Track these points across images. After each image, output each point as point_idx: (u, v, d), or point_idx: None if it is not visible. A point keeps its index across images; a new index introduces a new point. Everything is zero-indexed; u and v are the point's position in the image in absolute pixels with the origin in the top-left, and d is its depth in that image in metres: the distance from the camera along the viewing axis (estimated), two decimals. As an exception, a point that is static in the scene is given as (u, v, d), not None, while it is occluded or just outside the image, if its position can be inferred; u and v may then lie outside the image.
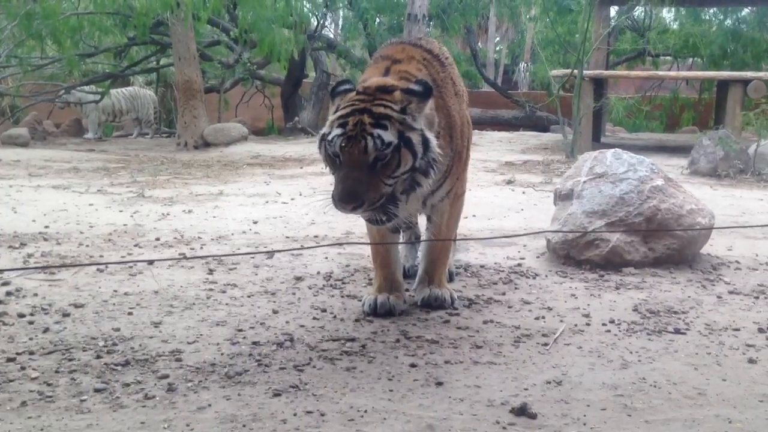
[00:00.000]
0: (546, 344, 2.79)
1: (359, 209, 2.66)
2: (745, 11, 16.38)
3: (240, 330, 2.89)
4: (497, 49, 27.22)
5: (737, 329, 3.00)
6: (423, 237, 3.51)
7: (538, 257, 4.33)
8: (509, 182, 7.62)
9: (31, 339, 2.77)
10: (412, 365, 2.55)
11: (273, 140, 13.88)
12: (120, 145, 13.34)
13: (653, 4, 11.45)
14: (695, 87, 17.80)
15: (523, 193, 6.99)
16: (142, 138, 15.19)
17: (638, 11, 14.65)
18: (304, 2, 12.27)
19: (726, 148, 8.10)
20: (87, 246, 4.45)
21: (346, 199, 2.63)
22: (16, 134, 12.03)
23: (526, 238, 4.86)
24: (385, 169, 2.67)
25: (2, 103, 15.08)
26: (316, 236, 4.91)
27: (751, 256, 4.38)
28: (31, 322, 2.96)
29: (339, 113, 2.75)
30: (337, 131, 2.70)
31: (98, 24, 12.57)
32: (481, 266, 4.09)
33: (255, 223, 5.36)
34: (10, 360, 2.55)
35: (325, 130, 2.78)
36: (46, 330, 2.86)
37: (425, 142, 2.74)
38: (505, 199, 6.55)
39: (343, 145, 2.67)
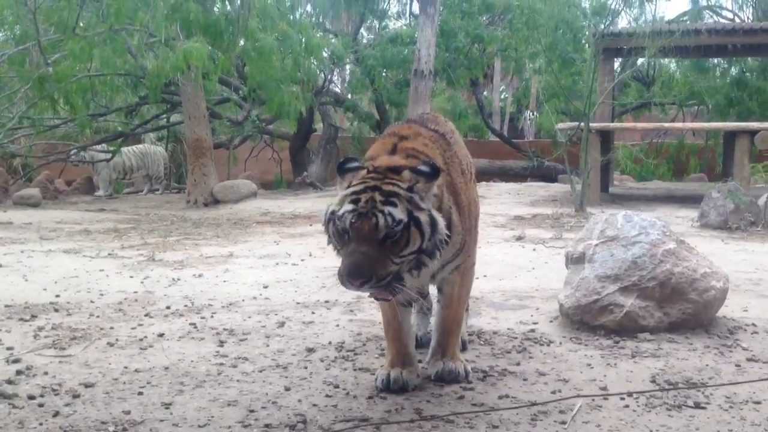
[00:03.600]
0: (564, 422, 2.73)
1: (367, 285, 2.65)
2: (750, 60, 16.53)
3: (252, 411, 2.85)
4: (502, 96, 27.50)
5: (758, 402, 2.94)
6: (434, 307, 3.48)
7: (551, 321, 4.29)
8: (519, 238, 7.61)
9: (41, 424, 2.73)
10: (428, 449, 2.50)
11: (282, 195, 13.97)
12: (130, 202, 13.45)
13: (656, 56, 11.56)
14: (702, 134, 17.89)
15: (534, 250, 6.97)
16: (152, 194, 15.33)
17: (642, 62, 14.79)
18: (312, 60, 12.45)
19: (736, 200, 8.09)
20: (98, 317, 4.44)
21: (355, 274, 2.62)
22: (28, 195, 12.16)
23: (539, 301, 4.83)
24: (393, 247, 2.68)
25: (15, 162, 15.29)
26: (327, 301, 4.89)
27: (767, 318, 4.32)
28: (41, 405, 2.92)
29: (351, 190, 2.77)
30: (349, 207, 2.71)
31: (109, 84, 12.83)
32: (494, 332, 4.05)
33: (265, 287, 5.35)
34: (19, 448, 2.51)
35: (334, 207, 2.79)
36: (56, 414, 2.82)
37: (433, 223, 2.75)
38: (516, 257, 6.52)
39: (353, 221, 2.68)
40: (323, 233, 2.89)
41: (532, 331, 4.07)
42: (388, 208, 2.67)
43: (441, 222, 2.77)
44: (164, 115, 15.90)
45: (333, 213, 2.77)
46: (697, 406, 2.90)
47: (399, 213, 2.67)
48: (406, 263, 2.73)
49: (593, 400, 2.97)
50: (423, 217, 2.72)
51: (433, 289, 3.55)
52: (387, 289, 2.70)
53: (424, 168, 2.79)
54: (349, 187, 2.80)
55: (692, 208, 9.77)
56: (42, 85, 10.78)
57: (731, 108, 15.64)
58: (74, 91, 11.39)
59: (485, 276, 5.54)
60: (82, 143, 14.35)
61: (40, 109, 12.74)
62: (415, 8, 16.24)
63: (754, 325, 4.13)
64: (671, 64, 18.43)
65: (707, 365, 3.43)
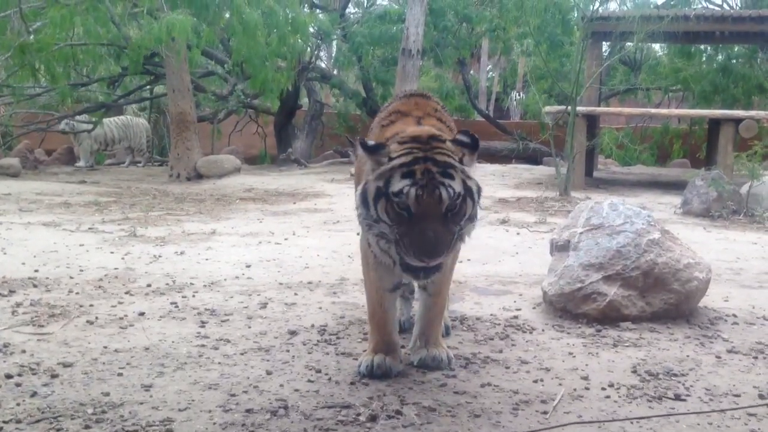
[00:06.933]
0: (545, 412, 2.74)
1: (439, 260, 2.63)
2: (736, 47, 16.55)
3: (233, 395, 2.82)
4: (489, 75, 27.38)
5: (738, 395, 2.95)
6: (419, 294, 3.45)
7: (534, 308, 4.29)
8: (503, 222, 7.61)
9: (18, 404, 2.69)
10: (410, 438, 2.49)
11: (266, 171, 13.87)
12: (112, 174, 13.29)
13: (645, 41, 11.54)
14: (686, 119, 17.94)
15: (518, 234, 6.97)
16: (134, 167, 15.16)
17: (630, 46, 14.77)
18: (298, 37, 12.29)
19: (719, 188, 8.13)
20: (77, 293, 4.38)
21: (432, 253, 2.58)
22: (7, 165, 11.98)
23: (522, 287, 4.83)
24: (454, 218, 2.65)
25: (-6, 131, 15.05)
26: (310, 282, 4.86)
27: (748, 308, 4.35)
28: (18, 384, 2.88)
29: (398, 162, 2.65)
30: (406, 182, 2.60)
31: (91, 53, 12.61)
32: (477, 318, 4.04)
33: (248, 266, 5.31)
34: (-4, 430, 2.47)
35: (378, 183, 2.65)
36: (33, 394, 2.78)
37: (479, 191, 2.74)
38: (500, 241, 6.52)
39: (419, 193, 2.58)
40: (358, 214, 2.79)
41: (515, 317, 4.08)
42: (447, 181, 2.61)
43: (480, 190, 2.76)
44: (147, 87, 15.68)
45: (380, 190, 2.64)
46: (678, 397, 2.91)
47: (457, 185, 2.63)
48: (457, 234, 2.71)
49: (575, 390, 2.98)
50: (474, 186, 2.70)
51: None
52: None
53: (465, 139, 2.74)
54: (391, 159, 2.67)
55: (675, 194, 9.82)
56: (23, 53, 10.58)
57: (716, 95, 15.68)
58: (55, 59, 11.20)
59: (469, 260, 5.52)
60: (63, 113, 14.12)
61: (21, 78, 12.50)
62: (405, -15, 16.04)
63: (734, 315, 4.16)
64: (658, 49, 18.45)
65: (688, 356, 3.44)
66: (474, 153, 2.76)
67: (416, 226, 2.58)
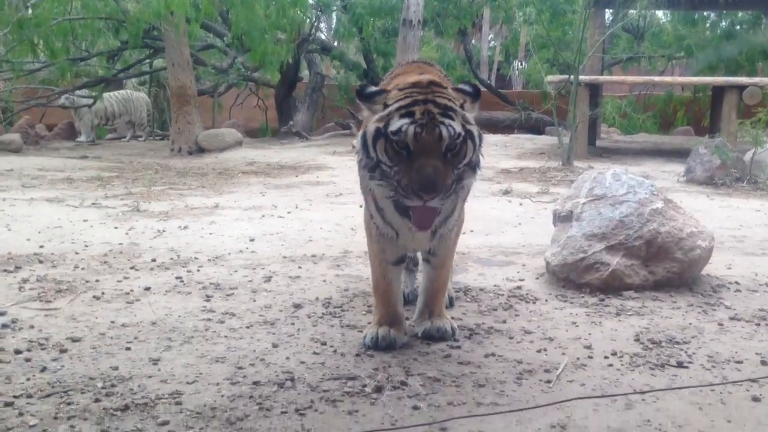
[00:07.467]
0: (549, 381, 2.77)
1: (437, 198, 2.63)
2: (740, 13, 16.37)
3: (240, 367, 2.86)
4: (491, 45, 27.10)
5: (740, 362, 2.98)
6: (423, 266, 3.47)
7: (537, 278, 4.31)
8: (506, 192, 7.61)
9: (28, 379, 2.72)
10: (415, 407, 2.52)
11: (267, 144, 13.84)
12: (113, 149, 13.28)
13: (648, 7, 11.42)
14: (690, 87, 17.78)
15: (521, 204, 6.97)
16: (135, 141, 15.14)
17: (633, 13, 14.62)
18: (297, 10, 12.17)
19: (722, 156, 8.11)
20: (83, 269, 4.41)
21: (430, 188, 2.58)
22: (9, 140, 11.96)
23: (525, 258, 4.85)
24: (453, 159, 2.66)
25: (-6, 107, 15.00)
26: (313, 255, 4.88)
27: (751, 275, 4.37)
28: (28, 360, 2.91)
29: (397, 105, 2.68)
30: (405, 120, 2.62)
31: (90, 27, 12.52)
32: (481, 289, 4.07)
33: (252, 240, 5.33)
34: (8, 404, 2.50)
35: (378, 125, 2.68)
36: (43, 369, 2.81)
37: (481, 138, 2.76)
38: (503, 212, 6.53)
39: (418, 131, 2.60)
40: (357, 160, 2.85)
41: (519, 288, 4.10)
42: (447, 120, 2.63)
43: (482, 137, 2.78)
44: (147, 61, 15.59)
45: (379, 130, 2.66)
46: (680, 365, 2.94)
47: (457, 126, 2.65)
48: (457, 178, 2.71)
49: (578, 359, 3.00)
50: (475, 131, 2.72)
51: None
52: (444, 200, 2.70)
53: (467, 87, 2.80)
54: (391, 103, 2.70)
55: (679, 162, 9.79)
56: (21, 28, 10.50)
57: (720, 61, 15.54)
58: (54, 34, 11.12)
59: (472, 231, 5.53)
60: (63, 87, 14.07)
61: (20, 53, 12.42)
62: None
63: (737, 283, 4.18)
64: (661, 16, 18.24)
65: (690, 324, 3.47)
66: (475, 102, 2.80)
67: (415, 162, 2.60)
